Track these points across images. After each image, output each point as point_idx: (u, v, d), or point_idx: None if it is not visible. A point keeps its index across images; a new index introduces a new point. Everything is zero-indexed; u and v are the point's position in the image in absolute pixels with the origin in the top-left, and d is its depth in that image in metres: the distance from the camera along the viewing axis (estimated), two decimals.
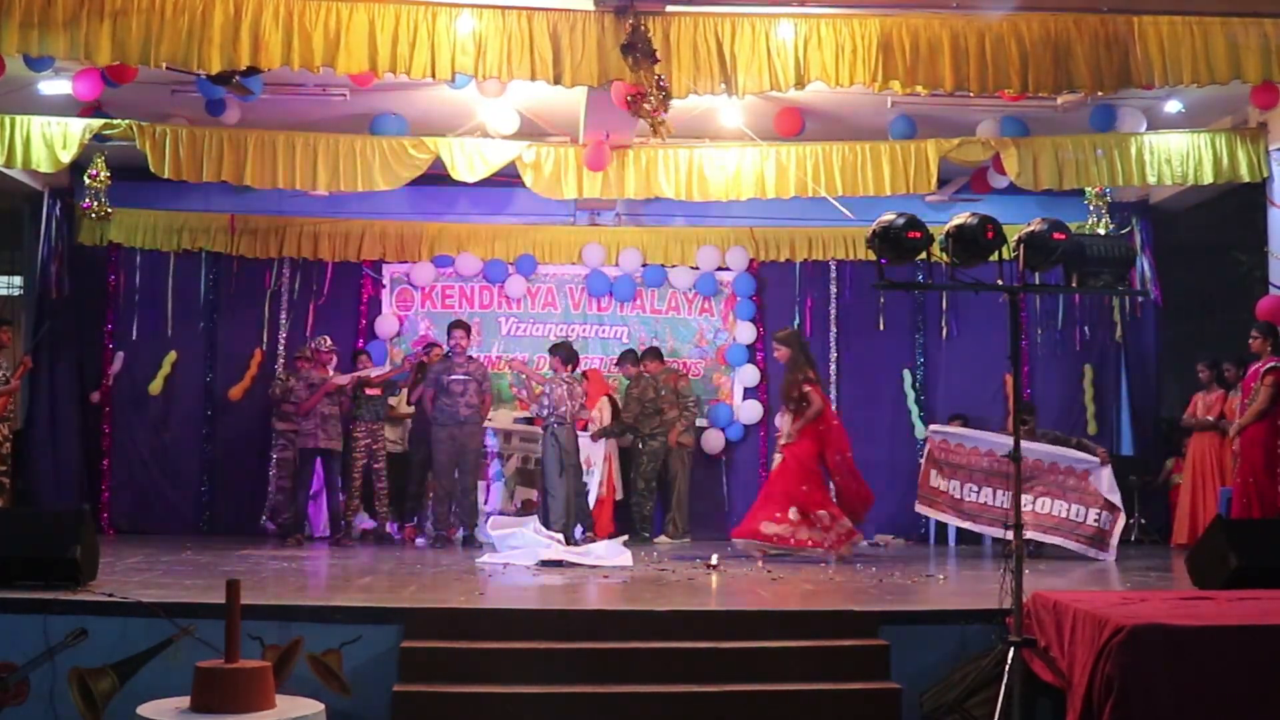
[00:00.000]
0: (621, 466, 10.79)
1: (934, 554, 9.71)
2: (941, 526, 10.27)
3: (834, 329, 11.41)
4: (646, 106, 7.77)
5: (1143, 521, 10.53)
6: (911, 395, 11.34)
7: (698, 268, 11.38)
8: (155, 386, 10.93)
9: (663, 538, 10.43)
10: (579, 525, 9.96)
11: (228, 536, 10.26)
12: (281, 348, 11.07)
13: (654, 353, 10.77)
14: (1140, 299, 11.08)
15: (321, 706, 4.95)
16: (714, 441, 11.22)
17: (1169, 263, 11.58)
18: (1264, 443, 8.41)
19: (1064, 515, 8.81)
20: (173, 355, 10.98)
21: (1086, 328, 11.40)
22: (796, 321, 11.35)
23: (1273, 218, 9.41)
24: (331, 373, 9.97)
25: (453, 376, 9.87)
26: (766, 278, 11.48)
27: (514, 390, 10.98)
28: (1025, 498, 8.48)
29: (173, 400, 11.01)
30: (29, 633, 5.59)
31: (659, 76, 7.62)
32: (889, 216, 5.23)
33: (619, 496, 10.73)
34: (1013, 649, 5.06)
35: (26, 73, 8.47)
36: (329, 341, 10.11)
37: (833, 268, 11.43)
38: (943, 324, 11.41)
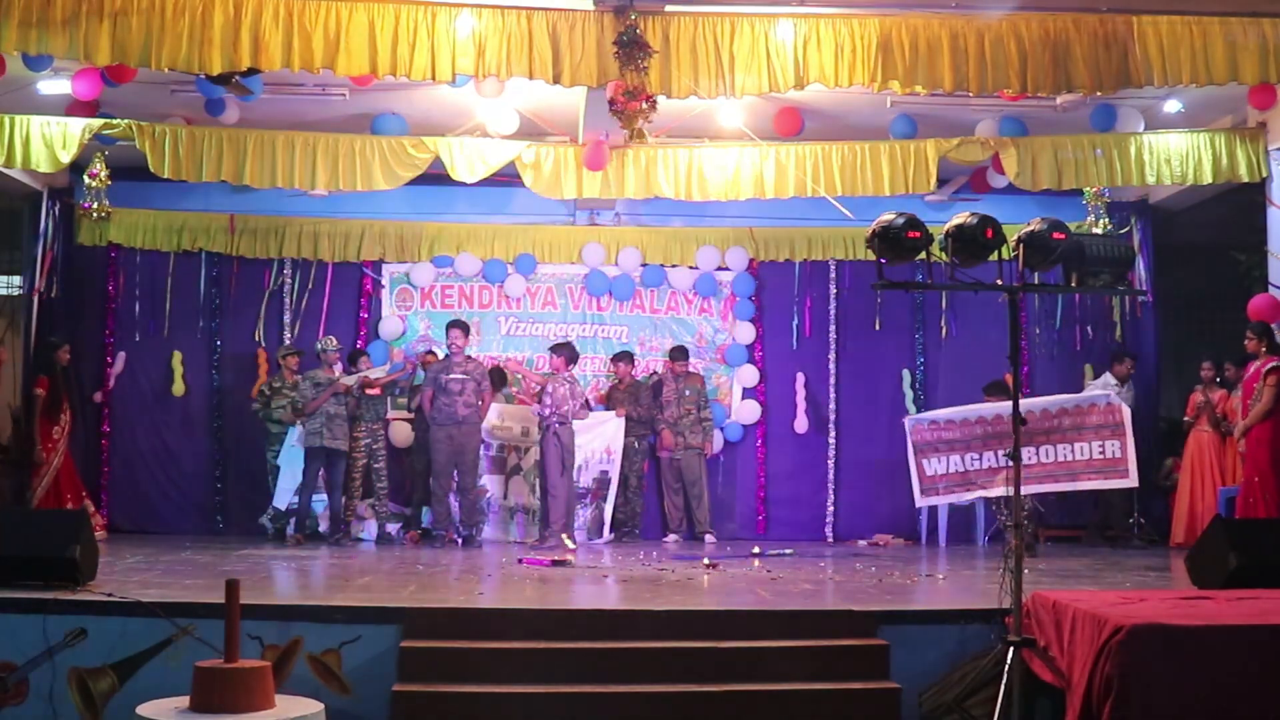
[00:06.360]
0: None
1: (933, 554, 9.69)
2: (935, 527, 10.27)
3: (833, 329, 11.40)
4: (615, 105, 7.77)
5: (1142, 521, 10.51)
6: (910, 395, 11.32)
7: (697, 268, 11.36)
8: (178, 388, 10.94)
9: (709, 539, 10.43)
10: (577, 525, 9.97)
11: (227, 536, 10.26)
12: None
13: (682, 351, 10.81)
14: (1140, 299, 11.08)
15: (321, 706, 4.96)
16: (712, 441, 11.20)
17: (1168, 262, 11.56)
18: (1270, 442, 8.41)
19: (1085, 457, 8.81)
20: (179, 356, 10.99)
21: (1086, 328, 11.39)
22: (795, 321, 11.36)
23: (1272, 218, 9.40)
24: (337, 373, 9.98)
25: (451, 376, 9.86)
26: (766, 278, 11.46)
27: (511, 390, 10.96)
28: (1043, 449, 8.57)
29: (173, 400, 11.01)
30: (29, 632, 5.60)
31: (636, 86, 7.61)
32: (889, 216, 5.24)
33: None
34: (1012, 649, 5.07)
35: (26, 73, 8.47)
36: (335, 342, 10.13)
37: (832, 268, 11.41)
38: (942, 324, 11.40)
